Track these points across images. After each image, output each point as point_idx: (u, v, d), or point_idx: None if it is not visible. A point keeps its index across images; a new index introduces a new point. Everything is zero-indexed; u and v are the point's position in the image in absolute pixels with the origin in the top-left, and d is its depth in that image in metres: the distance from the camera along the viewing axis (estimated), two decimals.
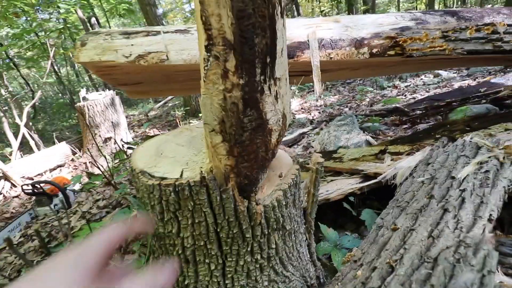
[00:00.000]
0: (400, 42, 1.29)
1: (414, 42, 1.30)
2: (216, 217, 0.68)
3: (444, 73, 4.99)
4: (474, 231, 0.80)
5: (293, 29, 1.29)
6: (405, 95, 4.23)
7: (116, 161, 1.96)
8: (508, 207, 1.02)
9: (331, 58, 1.27)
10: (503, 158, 1.07)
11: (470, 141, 1.24)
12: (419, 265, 0.74)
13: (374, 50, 1.30)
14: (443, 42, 1.32)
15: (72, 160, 4.29)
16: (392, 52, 1.31)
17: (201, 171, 0.68)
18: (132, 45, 1.26)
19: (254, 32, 0.60)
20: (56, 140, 4.64)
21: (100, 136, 4.10)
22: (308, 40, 1.28)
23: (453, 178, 1.04)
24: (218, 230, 0.69)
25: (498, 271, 0.89)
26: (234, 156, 0.68)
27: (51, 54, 4.39)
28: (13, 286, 0.32)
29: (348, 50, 1.28)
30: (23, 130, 4.22)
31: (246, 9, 0.58)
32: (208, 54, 0.59)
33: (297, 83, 1.30)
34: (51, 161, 4.01)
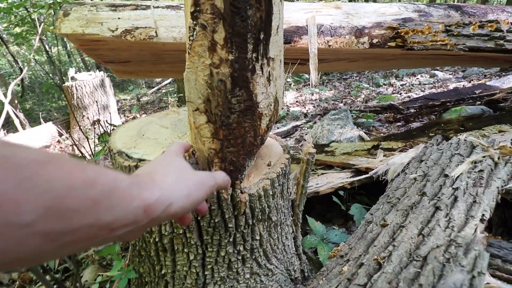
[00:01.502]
0: (402, 34, 1.24)
1: (416, 35, 1.25)
2: None
3: (440, 74, 5.00)
4: (466, 230, 0.78)
5: (292, 13, 1.23)
6: (400, 93, 4.22)
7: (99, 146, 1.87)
8: (497, 208, 1.00)
9: (329, 46, 1.22)
10: (498, 158, 1.04)
11: (465, 140, 1.21)
12: (408, 263, 0.71)
13: (375, 40, 1.25)
14: (445, 37, 1.28)
15: (59, 141, 4.15)
16: (393, 44, 1.26)
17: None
18: (119, 18, 1.17)
19: (247, 2, 0.54)
20: (42, 121, 4.48)
21: (88, 118, 3.97)
22: (306, 25, 1.21)
23: (446, 176, 1.01)
24: (199, 218, 0.65)
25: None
26: (220, 139, 0.63)
27: (39, 30, 4.18)
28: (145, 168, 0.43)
29: (348, 39, 1.22)
30: (7, 107, 4.05)
31: None
32: (194, 22, 0.53)
33: (291, 71, 1.24)
34: (37, 141, 3.88)
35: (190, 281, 0.70)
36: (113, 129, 1.40)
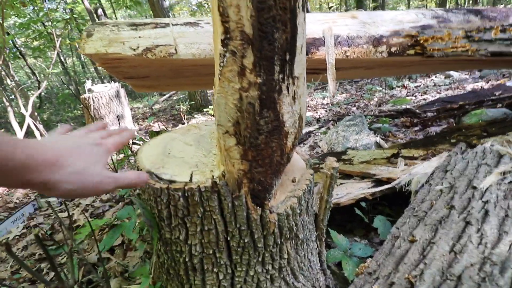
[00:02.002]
0: (421, 41, 1.22)
1: (436, 42, 1.23)
2: (227, 225, 0.64)
3: (455, 74, 4.88)
4: (500, 247, 0.75)
5: (308, 24, 1.23)
6: (415, 96, 4.14)
7: (120, 155, 1.91)
8: None
9: (347, 56, 1.21)
10: None
11: (491, 149, 1.17)
12: (441, 283, 0.69)
13: (393, 49, 1.24)
14: (466, 43, 1.25)
15: None
16: (411, 52, 1.24)
17: (213, 176, 0.63)
18: (139, 37, 1.21)
19: (274, 26, 0.55)
20: None
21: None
22: (323, 37, 1.21)
23: (474, 188, 0.98)
24: (229, 238, 0.65)
25: None
26: (248, 160, 0.63)
27: (57, 44, 4.35)
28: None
29: (366, 48, 1.22)
30: (28, 120, 4.21)
31: (267, 0, 0.52)
32: (225, 49, 0.54)
33: (315, 81, 1.24)
34: None
35: None
36: (133, 143, 1.44)
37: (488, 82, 4.10)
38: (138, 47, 1.19)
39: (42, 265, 1.69)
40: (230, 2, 0.51)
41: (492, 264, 0.71)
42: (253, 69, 0.56)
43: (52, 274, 1.63)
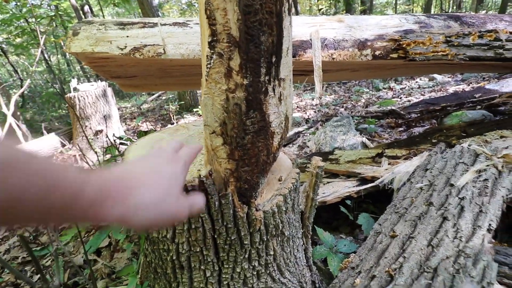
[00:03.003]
0: (404, 45, 1.27)
1: (418, 46, 1.28)
2: (214, 222, 0.65)
3: (439, 77, 5.04)
4: (474, 241, 0.80)
5: (296, 27, 1.26)
6: (400, 98, 4.25)
7: (107, 156, 1.89)
8: (502, 215, 1.01)
9: (333, 58, 1.25)
10: (502, 167, 1.07)
11: (468, 148, 1.23)
12: (419, 275, 0.73)
13: (377, 52, 1.28)
14: (446, 47, 1.31)
15: (61, 152, 4.17)
16: (395, 55, 1.29)
17: (200, 175, 0.65)
18: (127, 36, 1.20)
19: (260, 29, 0.57)
20: (44, 131, 4.50)
21: (91, 128, 3.99)
22: (310, 39, 1.24)
23: (452, 185, 1.03)
24: (215, 236, 0.66)
25: None
26: (235, 159, 0.65)
27: (41, 42, 4.23)
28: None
29: (351, 51, 1.25)
30: (10, 119, 4.07)
31: (254, 4, 0.54)
32: (212, 51, 0.56)
33: (301, 82, 1.27)
34: (39, 152, 3.90)
35: None
36: (121, 143, 1.42)
37: (469, 85, 4.26)
38: (125, 46, 1.18)
39: (26, 268, 1.66)
40: (217, 5, 0.53)
41: (466, 256, 0.75)
42: (240, 71, 0.58)
43: (36, 277, 1.59)
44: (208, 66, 0.57)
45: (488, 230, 0.84)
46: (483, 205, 0.91)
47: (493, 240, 1.06)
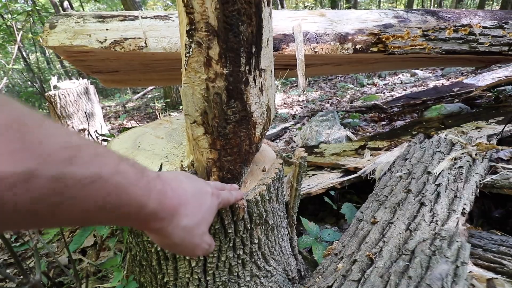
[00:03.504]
0: (383, 39, 1.31)
1: (396, 40, 1.32)
2: None
3: (420, 73, 5.19)
4: (449, 224, 0.84)
5: (278, 21, 1.27)
6: (384, 93, 4.36)
7: None
8: (477, 201, 1.07)
9: (315, 52, 1.26)
10: (476, 154, 1.12)
11: (445, 138, 1.29)
12: (397, 258, 0.76)
13: (358, 46, 1.31)
14: (423, 41, 1.35)
15: None
16: (375, 49, 1.32)
17: (182, 165, 0.65)
18: (107, 29, 1.18)
19: (239, 19, 0.57)
20: None
21: (73, 127, 3.88)
22: (293, 33, 1.26)
23: (429, 173, 1.07)
24: None
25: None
26: (217, 149, 0.65)
27: (18, 38, 4.06)
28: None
29: (333, 45, 1.28)
30: None
31: None
32: (190, 40, 0.56)
33: (282, 77, 1.28)
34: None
35: (192, 287, 0.72)
36: (103, 139, 1.40)
37: (448, 80, 4.42)
38: (105, 39, 1.16)
39: (8, 271, 1.60)
40: None
41: (441, 238, 0.79)
42: (219, 60, 0.58)
43: (19, 278, 1.55)
44: (187, 55, 0.57)
45: (462, 214, 0.88)
46: (457, 191, 0.96)
47: (468, 224, 1.12)
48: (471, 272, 0.86)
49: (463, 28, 1.44)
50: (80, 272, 1.35)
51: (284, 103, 4.91)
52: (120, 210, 0.29)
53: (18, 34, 4.38)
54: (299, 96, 5.21)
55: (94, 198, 0.26)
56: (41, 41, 1.20)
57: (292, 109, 4.42)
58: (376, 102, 3.18)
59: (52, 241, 1.61)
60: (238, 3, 0.56)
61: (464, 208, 0.89)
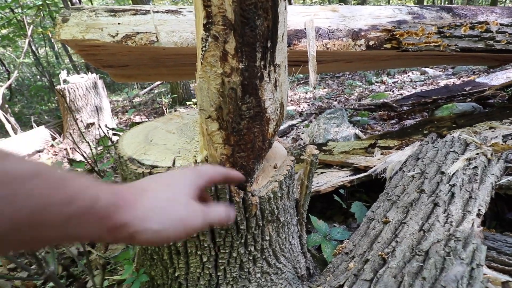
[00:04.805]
0: (397, 36, 1.28)
1: (410, 36, 1.29)
2: None
3: (430, 71, 5.10)
4: (464, 225, 0.82)
5: (290, 16, 1.25)
6: (393, 91, 4.30)
7: (100, 147, 1.84)
8: (490, 202, 1.04)
9: (327, 48, 1.24)
10: (491, 155, 1.09)
11: (459, 138, 1.26)
12: (411, 258, 0.75)
13: (371, 43, 1.29)
14: (438, 38, 1.32)
15: (52, 145, 4.09)
16: (388, 46, 1.30)
17: (195, 160, 0.64)
18: (118, 23, 1.18)
19: (256, 13, 0.56)
20: (34, 124, 4.40)
21: (82, 121, 3.92)
22: (305, 29, 1.24)
23: (442, 173, 1.05)
24: None
25: None
26: (231, 145, 0.65)
27: (29, 33, 4.10)
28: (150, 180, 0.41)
29: (345, 41, 1.26)
30: None
31: None
32: (207, 33, 0.55)
33: (295, 73, 1.27)
34: (29, 146, 3.81)
35: (203, 282, 0.72)
36: (114, 133, 1.41)
37: (460, 79, 4.33)
38: (117, 34, 1.16)
39: (19, 261, 1.64)
40: None
41: (456, 240, 0.78)
42: (235, 54, 0.58)
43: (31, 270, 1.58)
44: (203, 49, 0.56)
45: (478, 215, 0.86)
46: (472, 191, 0.94)
47: (481, 227, 1.09)
48: (485, 274, 0.85)
49: (479, 25, 1.40)
50: (88, 265, 1.37)
51: (291, 100, 4.88)
52: (70, 206, 0.27)
53: (28, 28, 4.43)
54: (306, 93, 5.17)
55: (39, 192, 0.25)
56: (53, 35, 1.21)
57: (299, 106, 4.39)
58: (386, 100, 3.13)
59: None
60: None
61: (479, 210, 0.87)
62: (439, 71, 5.14)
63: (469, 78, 3.99)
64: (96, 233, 0.31)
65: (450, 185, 0.97)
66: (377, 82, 5.11)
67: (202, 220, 0.39)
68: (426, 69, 5.14)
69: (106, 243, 1.51)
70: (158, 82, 8.63)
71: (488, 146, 1.15)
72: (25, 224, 0.24)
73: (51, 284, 1.35)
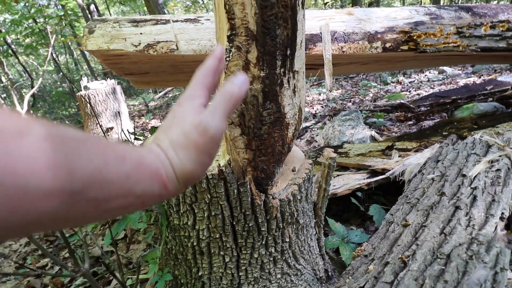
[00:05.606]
0: (414, 37, 1.27)
1: (428, 38, 1.28)
2: (233, 210, 0.68)
3: (448, 70, 4.96)
4: (486, 229, 0.81)
5: (306, 21, 1.27)
6: (410, 91, 4.21)
7: None
8: None
9: (343, 51, 1.25)
10: None
11: (480, 139, 1.23)
12: (432, 261, 0.75)
13: (387, 45, 1.28)
14: (457, 38, 1.30)
15: None
16: (405, 47, 1.29)
17: (219, 164, 0.67)
18: (141, 33, 1.23)
19: (276, 23, 0.59)
20: None
21: (101, 126, 4.07)
22: (320, 33, 1.25)
23: (464, 176, 1.04)
24: (234, 223, 0.69)
25: None
26: (252, 149, 0.67)
27: (52, 42, 4.31)
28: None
29: (361, 44, 1.26)
30: None
31: None
32: (231, 44, 0.58)
33: (314, 76, 1.28)
34: None
35: (225, 281, 0.75)
36: (135, 138, 1.47)
37: (480, 77, 4.19)
38: (139, 43, 1.22)
39: (45, 260, 1.73)
40: (235, 0, 0.55)
41: (479, 243, 0.77)
42: (257, 63, 0.60)
43: (56, 268, 1.66)
44: (227, 59, 0.59)
45: (501, 218, 0.85)
46: (495, 194, 0.92)
47: (505, 230, 1.07)
48: (510, 279, 0.83)
49: (501, 24, 1.37)
50: (112, 264, 1.43)
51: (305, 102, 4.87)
52: (124, 164, 0.28)
53: (51, 37, 4.65)
54: (319, 94, 5.15)
55: (96, 151, 0.26)
56: (80, 45, 1.28)
57: (313, 108, 4.38)
58: (402, 101, 3.08)
59: (87, 233, 1.71)
60: (276, 7, 0.58)
61: (503, 213, 0.85)
62: (458, 70, 4.99)
63: (490, 77, 3.86)
64: (156, 190, 0.31)
65: (471, 188, 0.96)
66: (393, 82, 5.01)
67: (221, 119, 0.34)
68: (444, 68, 5.00)
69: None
70: (173, 87, 8.82)
71: (511, 148, 1.12)
72: (95, 179, 0.25)
73: (77, 282, 1.42)
